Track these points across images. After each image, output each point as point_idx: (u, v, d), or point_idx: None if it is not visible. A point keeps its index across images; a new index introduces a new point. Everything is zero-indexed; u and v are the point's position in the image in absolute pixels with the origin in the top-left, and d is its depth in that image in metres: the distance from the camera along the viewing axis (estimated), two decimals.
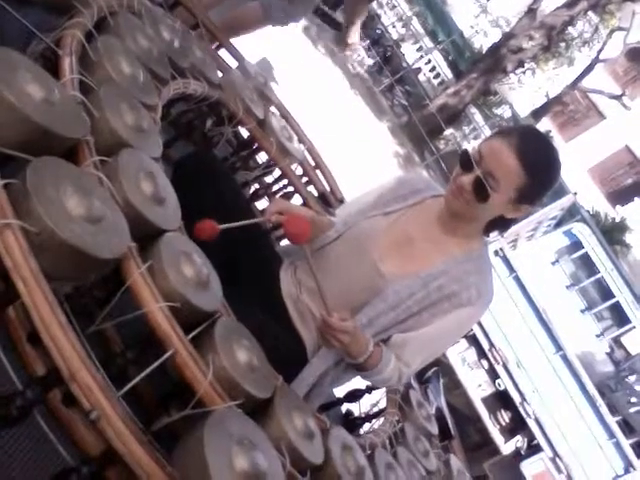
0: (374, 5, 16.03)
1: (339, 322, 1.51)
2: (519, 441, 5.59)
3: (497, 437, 5.57)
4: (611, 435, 5.42)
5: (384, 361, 1.64)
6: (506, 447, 5.58)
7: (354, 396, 1.99)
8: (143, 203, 1.22)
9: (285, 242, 2.40)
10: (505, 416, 5.62)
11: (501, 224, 1.70)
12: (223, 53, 2.54)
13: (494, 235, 1.82)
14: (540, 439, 5.42)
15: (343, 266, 1.73)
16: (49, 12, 1.56)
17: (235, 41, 2.63)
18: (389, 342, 1.67)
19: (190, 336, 1.14)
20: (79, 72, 1.35)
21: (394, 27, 16.32)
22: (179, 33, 1.95)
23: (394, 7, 16.55)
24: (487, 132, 14.17)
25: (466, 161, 1.58)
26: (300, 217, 1.57)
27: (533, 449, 5.54)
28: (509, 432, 5.60)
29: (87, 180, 1.12)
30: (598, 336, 6.38)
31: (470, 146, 1.66)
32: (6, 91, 1.05)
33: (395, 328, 1.66)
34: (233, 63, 2.52)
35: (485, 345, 5.68)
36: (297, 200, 2.44)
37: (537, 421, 5.44)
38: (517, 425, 5.59)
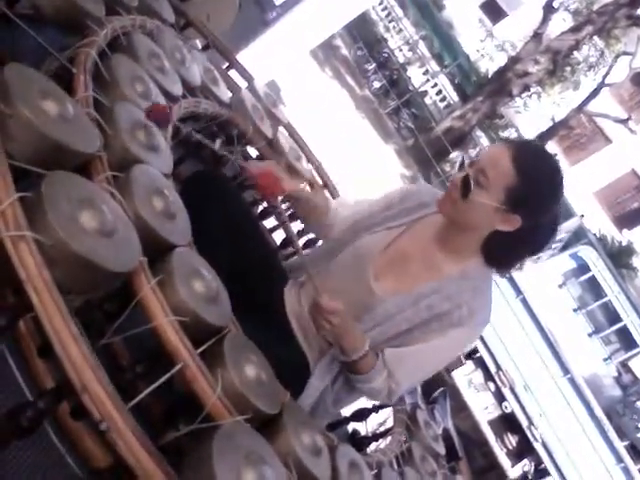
0: (381, 29, 16.22)
1: (327, 301, 1.49)
2: (526, 465, 5.54)
3: (504, 461, 5.52)
4: (619, 460, 5.36)
5: (377, 369, 1.61)
6: (513, 471, 5.54)
7: (361, 415, 1.99)
8: (154, 218, 1.23)
9: (293, 259, 2.41)
10: (512, 440, 5.58)
11: (499, 246, 1.60)
12: (233, 73, 2.57)
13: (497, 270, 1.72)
14: (547, 463, 5.37)
15: (340, 280, 1.72)
16: (63, 31, 1.59)
17: (244, 62, 2.67)
18: (382, 357, 1.65)
19: (199, 350, 1.15)
20: (93, 90, 1.38)
21: (401, 51, 16.49)
22: (190, 53, 1.98)
23: (401, 31, 16.73)
24: None
25: (461, 163, 1.56)
26: (272, 173, 1.58)
27: (540, 473, 5.49)
28: (516, 456, 5.56)
29: (100, 194, 1.13)
30: (605, 360, 6.34)
31: None
32: (23, 107, 1.07)
33: (385, 343, 1.64)
34: (243, 83, 2.55)
35: (492, 367, 5.65)
36: None
37: (544, 445, 5.39)
38: (524, 449, 5.55)
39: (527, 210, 1.52)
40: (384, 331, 1.63)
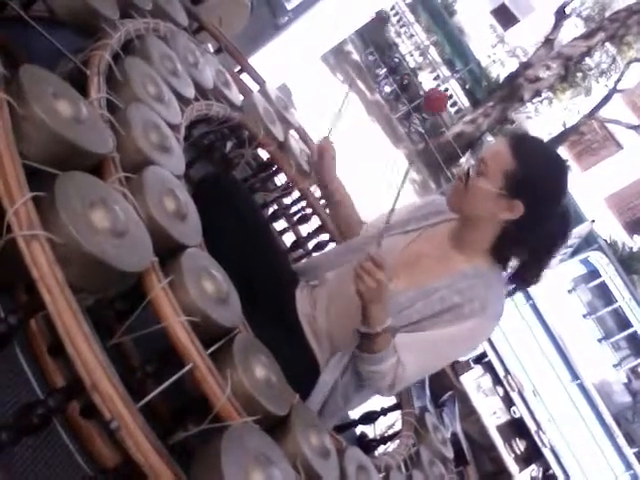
0: (392, 34, 16.22)
1: (380, 260, 1.47)
2: (534, 470, 5.49)
3: (512, 466, 5.48)
4: (628, 467, 5.32)
5: (389, 350, 1.58)
6: (521, 477, 5.48)
7: (369, 418, 1.99)
8: (165, 219, 1.24)
9: (303, 261, 2.42)
10: (520, 445, 5.53)
11: (508, 244, 1.64)
12: (245, 77, 2.58)
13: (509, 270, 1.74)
14: (556, 469, 5.33)
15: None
16: (77, 34, 1.60)
17: (256, 66, 2.68)
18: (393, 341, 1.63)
19: (209, 351, 1.16)
20: (106, 91, 1.39)
21: (412, 56, 16.48)
22: (203, 56, 1.99)
23: (412, 36, 16.73)
24: None
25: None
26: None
27: (548, 479, 5.45)
28: (524, 461, 5.51)
29: (112, 195, 1.14)
30: (615, 366, 6.28)
31: None
32: (37, 108, 1.08)
33: (395, 332, 1.63)
34: (254, 87, 2.56)
35: (500, 372, 5.62)
36: (315, 222, 2.46)
37: (553, 450, 5.35)
38: (532, 454, 5.50)
39: (527, 195, 1.55)
40: (396, 322, 1.62)
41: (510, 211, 1.56)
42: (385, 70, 15.26)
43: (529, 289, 5.81)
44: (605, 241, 7.89)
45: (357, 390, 1.73)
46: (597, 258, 6.40)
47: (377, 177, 9.77)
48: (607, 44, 14.35)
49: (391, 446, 1.91)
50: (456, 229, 1.69)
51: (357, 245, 1.85)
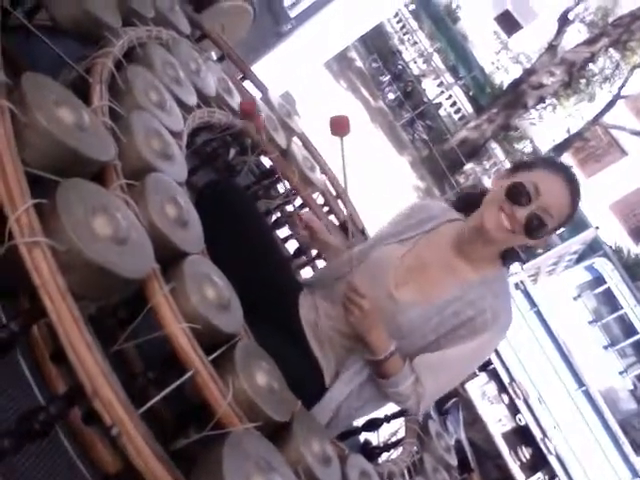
0: (395, 41, 16.27)
1: (360, 288, 1.56)
2: (540, 478, 5.49)
3: (517, 474, 5.47)
4: (635, 474, 5.31)
5: (403, 373, 1.61)
6: None
7: (373, 425, 1.98)
8: (167, 226, 1.24)
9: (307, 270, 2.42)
10: (526, 452, 5.53)
11: (518, 252, 1.68)
12: (247, 84, 2.59)
13: (514, 268, 1.79)
14: (561, 476, 5.32)
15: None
16: (80, 42, 1.61)
17: (259, 73, 2.69)
18: (410, 363, 1.66)
19: (211, 357, 1.15)
20: (108, 99, 1.39)
21: (415, 63, 16.54)
22: (205, 64, 2.00)
23: (415, 43, 16.78)
24: (508, 167, 14.17)
25: (521, 194, 1.56)
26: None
27: None
28: (530, 469, 5.51)
29: (114, 202, 1.14)
30: (621, 373, 6.28)
31: (492, 180, 1.68)
32: (39, 115, 1.08)
33: (414, 354, 1.66)
34: (257, 94, 2.57)
35: (506, 379, 5.62)
36: None
37: (558, 458, 5.34)
38: (538, 462, 5.50)
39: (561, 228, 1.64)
40: (413, 342, 1.65)
41: (545, 242, 1.64)
42: (389, 77, 15.32)
43: (534, 296, 5.81)
44: (610, 247, 7.89)
45: (373, 403, 1.75)
46: (602, 264, 6.40)
47: (380, 184, 9.78)
48: (611, 50, 14.37)
49: (394, 453, 1.91)
50: (463, 241, 1.69)
51: (359, 256, 1.86)
